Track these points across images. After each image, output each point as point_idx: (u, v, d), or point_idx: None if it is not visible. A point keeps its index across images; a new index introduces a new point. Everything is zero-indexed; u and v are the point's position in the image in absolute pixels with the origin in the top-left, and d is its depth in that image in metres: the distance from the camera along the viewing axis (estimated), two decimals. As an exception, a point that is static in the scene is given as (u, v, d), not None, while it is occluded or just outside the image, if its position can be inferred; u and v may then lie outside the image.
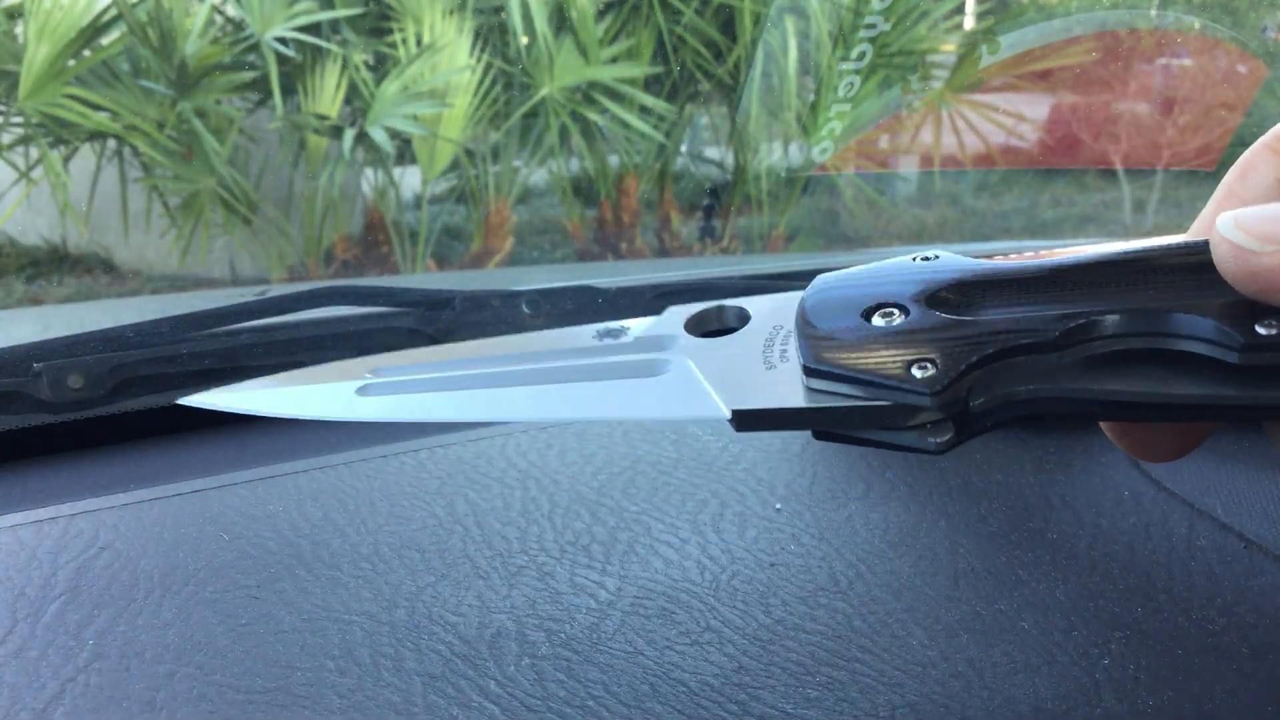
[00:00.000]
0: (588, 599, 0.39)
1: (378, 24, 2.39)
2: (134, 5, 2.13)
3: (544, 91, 2.44)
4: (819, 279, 0.29)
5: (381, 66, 2.39)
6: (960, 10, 2.58)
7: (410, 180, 2.55)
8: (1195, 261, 0.25)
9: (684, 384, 0.29)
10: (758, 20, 2.57)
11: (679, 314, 0.32)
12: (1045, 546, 0.43)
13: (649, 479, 0.48)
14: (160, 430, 0.57)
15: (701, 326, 0.32)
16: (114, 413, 0.55)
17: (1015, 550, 0.42)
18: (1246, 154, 0.28)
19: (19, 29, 2.13)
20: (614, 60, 2.53)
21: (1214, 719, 0.33)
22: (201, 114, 2.21)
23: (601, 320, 0.33)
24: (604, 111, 2.51)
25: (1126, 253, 0.26)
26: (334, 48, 2.30)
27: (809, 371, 0.27)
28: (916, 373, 0.25)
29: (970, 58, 2.27)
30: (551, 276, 1.16)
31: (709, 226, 2.73)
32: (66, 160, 2.24)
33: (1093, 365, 0.26)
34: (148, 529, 0.43)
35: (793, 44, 2.32)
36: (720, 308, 0.32)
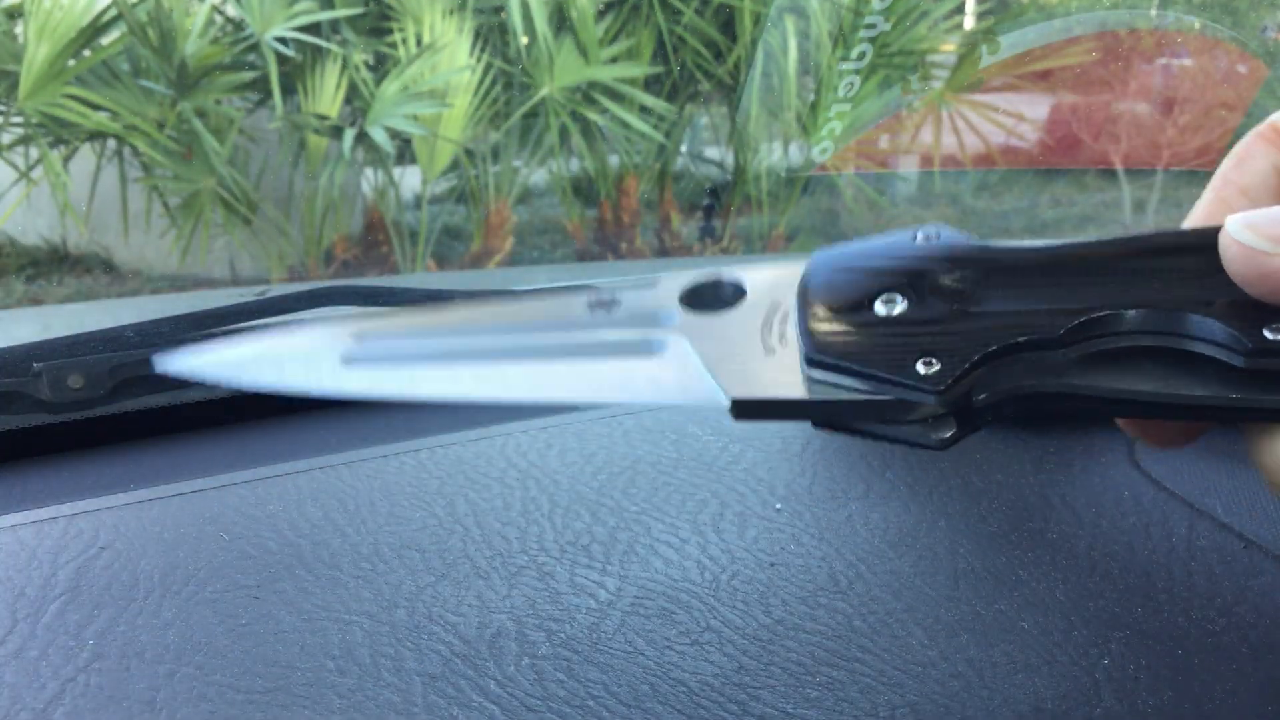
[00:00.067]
0: (588, 599, 0.39)
1: (378, 24, 2.40)
2: (134, 5, 2.14)
3: (544, 91, 2.44)
4: (818, 255, 0.29)
5: (381, 66, 2.40)
6: (960, 10, 2.58)
7: (410, 180, 2.55)
8: (1203, 257, 0.25)
9: (682, 367, 0.28)
10: (758, 20, 2.57)
11: (673, 284, 0.31)
12: (1045, 546, 0.42)
13: (649, 479, 0.48)
14: (160, 430, 0.57)
15: (696, 299, 0.30)
16: (114, 413, 0.55)
17: (1015, 550, 0.42)
18: (1241, 143, 0.28)
19: (19, 29, 2.13)
20: (614, 60, 2.53)
21: (1214, 719, 0.33)
22: (201, 114, 2.21)
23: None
24: (604, 111, 2.51)
25: (1133, 241, 0.26)
26: (334, 48, 2.30)
27: (810, 361, 0.26)
28: (921, 368, 0.25)
29: (970, 58, 2.27)
30: (551, 276, 1.16)
31: (709, 226, 2.73)
32: (66, 160, 2.24)
33: (1097, 362, 0.25)
34: (148, 529, 0.43)
35: (793, 44, 2.32)
36: (717, 281, 0.31)
